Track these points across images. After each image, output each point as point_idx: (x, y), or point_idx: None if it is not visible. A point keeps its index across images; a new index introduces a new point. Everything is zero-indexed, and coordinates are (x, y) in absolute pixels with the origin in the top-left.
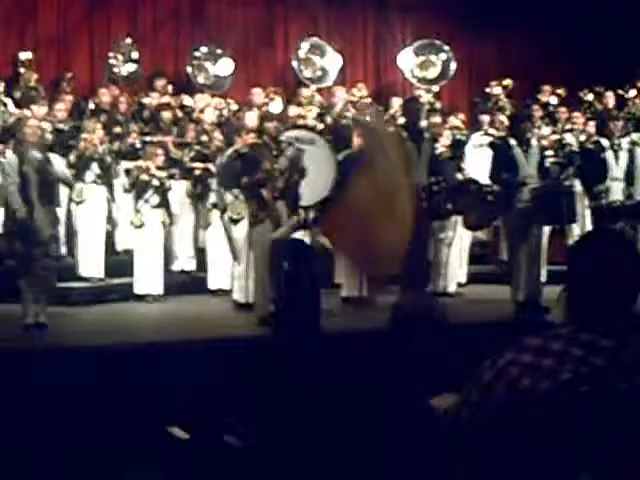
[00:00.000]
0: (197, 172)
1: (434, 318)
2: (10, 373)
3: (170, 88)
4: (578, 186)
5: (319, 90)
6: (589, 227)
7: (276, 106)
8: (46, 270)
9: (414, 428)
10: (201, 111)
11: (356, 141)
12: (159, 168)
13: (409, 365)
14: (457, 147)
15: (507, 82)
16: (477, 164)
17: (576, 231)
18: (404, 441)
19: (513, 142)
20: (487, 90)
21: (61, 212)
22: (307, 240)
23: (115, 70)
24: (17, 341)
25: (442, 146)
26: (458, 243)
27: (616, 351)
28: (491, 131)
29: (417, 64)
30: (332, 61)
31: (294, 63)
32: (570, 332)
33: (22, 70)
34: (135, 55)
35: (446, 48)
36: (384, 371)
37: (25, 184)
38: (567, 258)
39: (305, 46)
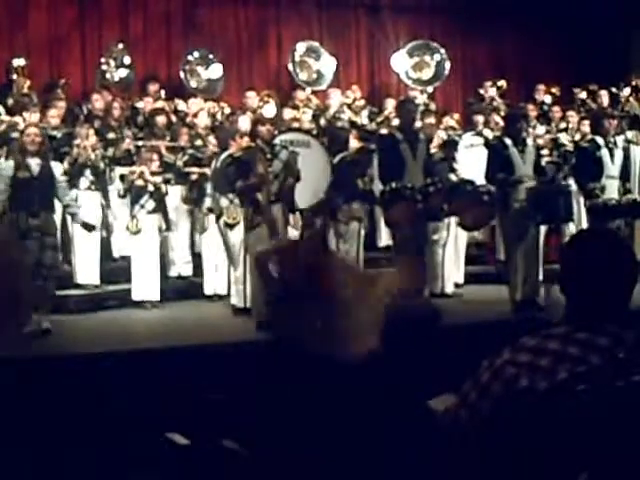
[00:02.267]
0: (192, 177)
1: (427, 319)
2: (9, 380)
3: (163, 93)
4: (573, 185)
5: (314, 93)
6: (585, 226)
7: (270, 109)
8: (44, 279)
9: (412, 430)
10: (195, 115)
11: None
12: (154, 173)
13: (407, 366)
14: (448, 147)
15: (501, 83)
16: (469, 164)
17: (572, 230)
18: (402, 443)
19: (509, 142)
20: (481, 91)
21: (56, 219)
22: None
23: (107, 76)
24: (16, 349)
25: (435, 147)
26: (453, 243)
27: (612, 349)
28: (485, 131)
29: (411, 65)
30: (327, 64)
31: (290, 66)
32: (566, 331)
33: (15, 77)
34: (127, 60)
35: (440, 49)
36: (382, 373)
37: (21, 191)
38: (561, 257)
39: (301, 49)
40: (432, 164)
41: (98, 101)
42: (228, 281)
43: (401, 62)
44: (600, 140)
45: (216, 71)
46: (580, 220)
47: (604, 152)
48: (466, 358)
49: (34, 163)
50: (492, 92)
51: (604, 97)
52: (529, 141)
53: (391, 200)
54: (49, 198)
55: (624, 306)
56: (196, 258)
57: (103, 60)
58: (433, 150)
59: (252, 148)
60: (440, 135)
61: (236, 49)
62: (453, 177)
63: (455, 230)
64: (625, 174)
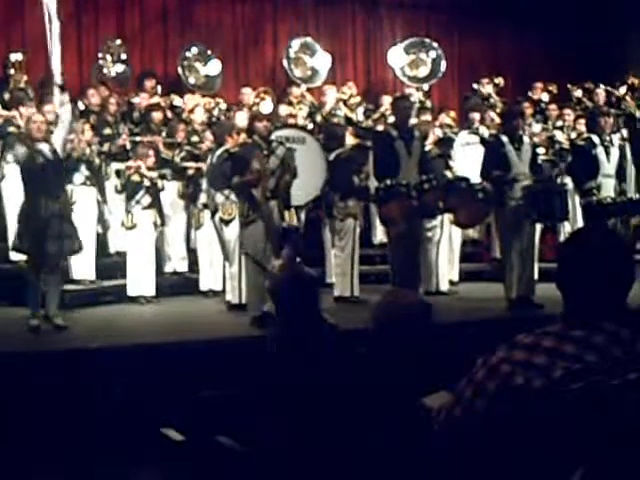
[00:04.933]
0: (189, 172)
1: (418, 314)
2: (9, 374)
3: (159, 89)
4: (569, 183)
5: (309, 89)
6: (580, 224)
7: (266, 106)
8: (58, 269)
9: (407, 427)
10: (191, 111)
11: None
12: (150, 169)
13: (401, 363)
14: (444, 144)
15: (498, 80)
16: (464, 162)
17: (567, 228)
18: (397, 440)
19: (505, 139)
20: (477, 87)
21: None
22: None
23: (104, 71)
24: (17, 343)
25: (430, 144)
26: (448, 241)
27: (608, 347)
28: (481, 129)
29: (407, 63)
30: (322, 60)
31: (284, 62)
32: (562, 329)
33: (12, 71)
34: (124, 56)
35: (436, 46)
36: (376, 370)
37: (39, 176)
38: (557, 255)
39: (295, 45)
40: (427, 161)
41: (94, 96)
42: (223, 277)
43: (397, 59)
44: (596, 138)
45: (214, 67)
46: (576, 218)
47: (600, 150)
48: (461, 356)
49: (45, 149)
50: (489, 89)
51: (600, 95)
52: (525, 139)
53: (386, 197)
54: (63, 182)
55: (621, 304)
56: (192, 254)
57: (100, 55)
58: (428, 147)
59: (248, 144)
60: (436, 132)
61: (232, 45)
62: (448, 174)
63: (449, 228)
64: (621, 172)
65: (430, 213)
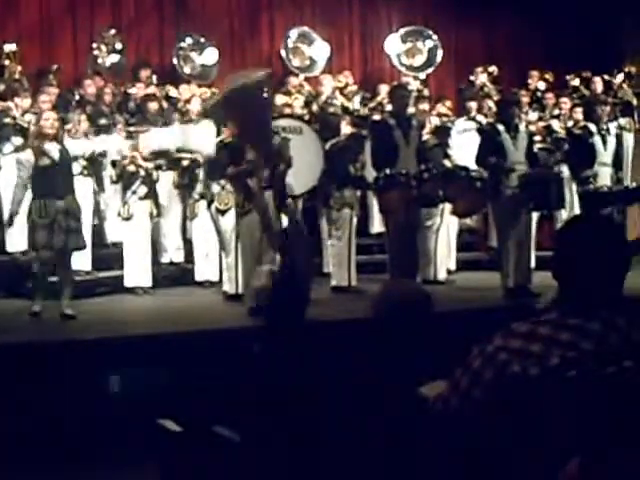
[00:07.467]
0: (184, 163)
1: (417, 305)
2: (6, 364)
3: (155, 79)
4: (566, 171)
5: (307, 79)
6: (577, 212)
7: None
8: (67, 267)
9: (404, 416)
10: (187, 101)
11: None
12: (146, 159)
13: (398, 353)
14: (441, 133)
15: (492, 69)
16: (462, 150)
17: (564, 217)
18: (393, 430)
19: (501, 128)
20: (472, 78)
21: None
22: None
23: (99, 61)
24: (13, 334)
25: (427, 133)
26: (445, 230)
27: (604, 335)
28: (479, 117)
29: (403, 51)
30: (320, 50)
31: (283, 52)
32: (558, 317)
33: (6, 62)
34: (119, 46)
35: (433, 35)
36: (373, 359)
37: (44, 178)
38: (554, 243)
39: (294, 35)
40: (425, 150)
41: (90, 87)
42: (220, 267)
43: (394, 48)
44: (593, 127)
45: (210, 56)
46: (572, 207)
47: (597, 139)
48: (458, 344)
49: (53, 148)
50: (483, 78)
51: (597, 84)
52: (521, 127)
53: (385, 186)
54: (71, 181)
55: (616, 292)
56: (188, 244)
57: (95, 46)
58: (426, 136)
59: None
60: (432, 121)
61: (228, 35)
62: (447, 163)
63: (447, 216)
64: (617, 161)
65: (430, 202)
